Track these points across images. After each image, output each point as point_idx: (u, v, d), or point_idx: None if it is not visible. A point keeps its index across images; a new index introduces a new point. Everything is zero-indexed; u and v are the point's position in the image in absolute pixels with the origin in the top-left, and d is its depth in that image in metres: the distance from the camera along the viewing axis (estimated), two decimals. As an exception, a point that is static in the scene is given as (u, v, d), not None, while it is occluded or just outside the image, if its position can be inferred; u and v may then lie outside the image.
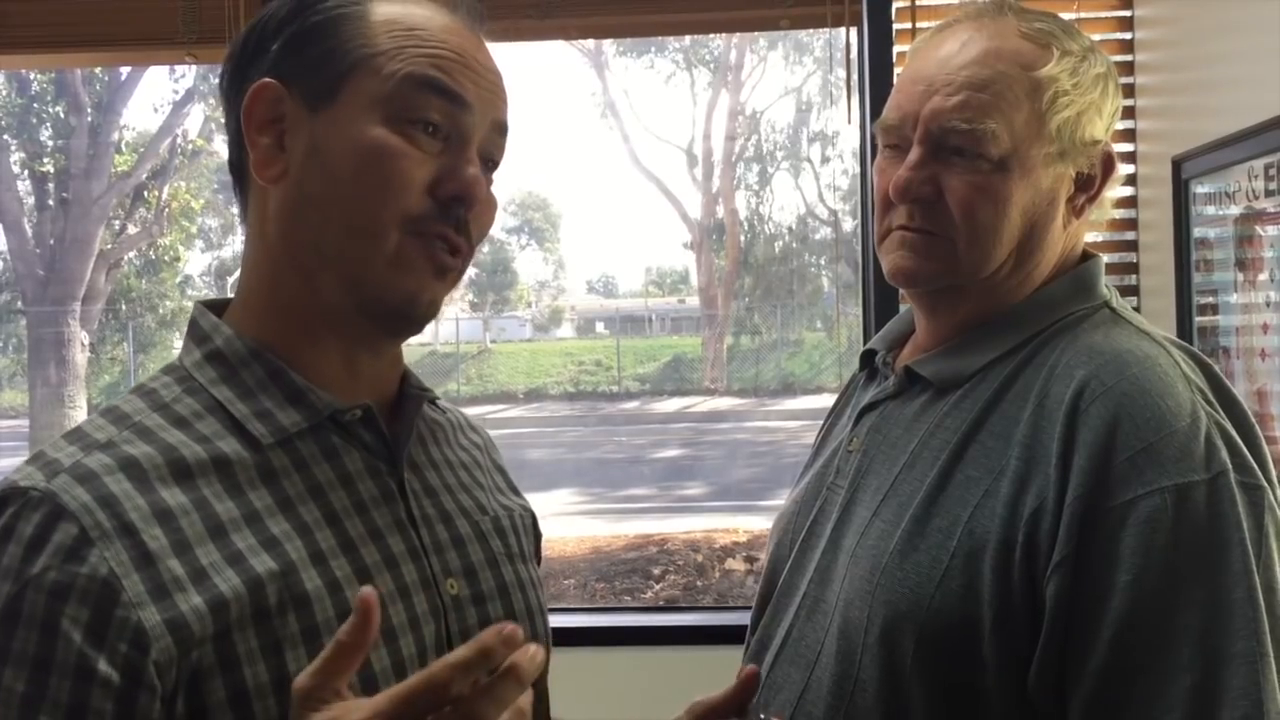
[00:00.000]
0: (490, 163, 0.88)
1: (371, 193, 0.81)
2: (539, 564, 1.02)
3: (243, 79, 0.85)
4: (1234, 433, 0.92)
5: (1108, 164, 1.05)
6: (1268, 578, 0.88)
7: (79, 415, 8.13)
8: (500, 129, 0.87)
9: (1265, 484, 0.91)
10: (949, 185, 1.00)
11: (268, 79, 0.83)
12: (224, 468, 0.79)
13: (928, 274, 1.03)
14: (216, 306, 0.89)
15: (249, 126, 0.83)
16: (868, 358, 1.18)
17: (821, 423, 1.25)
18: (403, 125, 0.81)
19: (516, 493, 1.04)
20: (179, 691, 0.72)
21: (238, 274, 0.89)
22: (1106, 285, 1.06)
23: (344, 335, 0.85)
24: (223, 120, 0.91)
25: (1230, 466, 0.89)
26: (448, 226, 0.83)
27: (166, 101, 9.50)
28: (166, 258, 11.18)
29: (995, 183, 0.99)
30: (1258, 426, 0.97)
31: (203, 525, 0.76)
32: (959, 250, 1.01)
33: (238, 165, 0.87)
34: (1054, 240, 1.04)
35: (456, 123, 0.83)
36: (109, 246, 9.01)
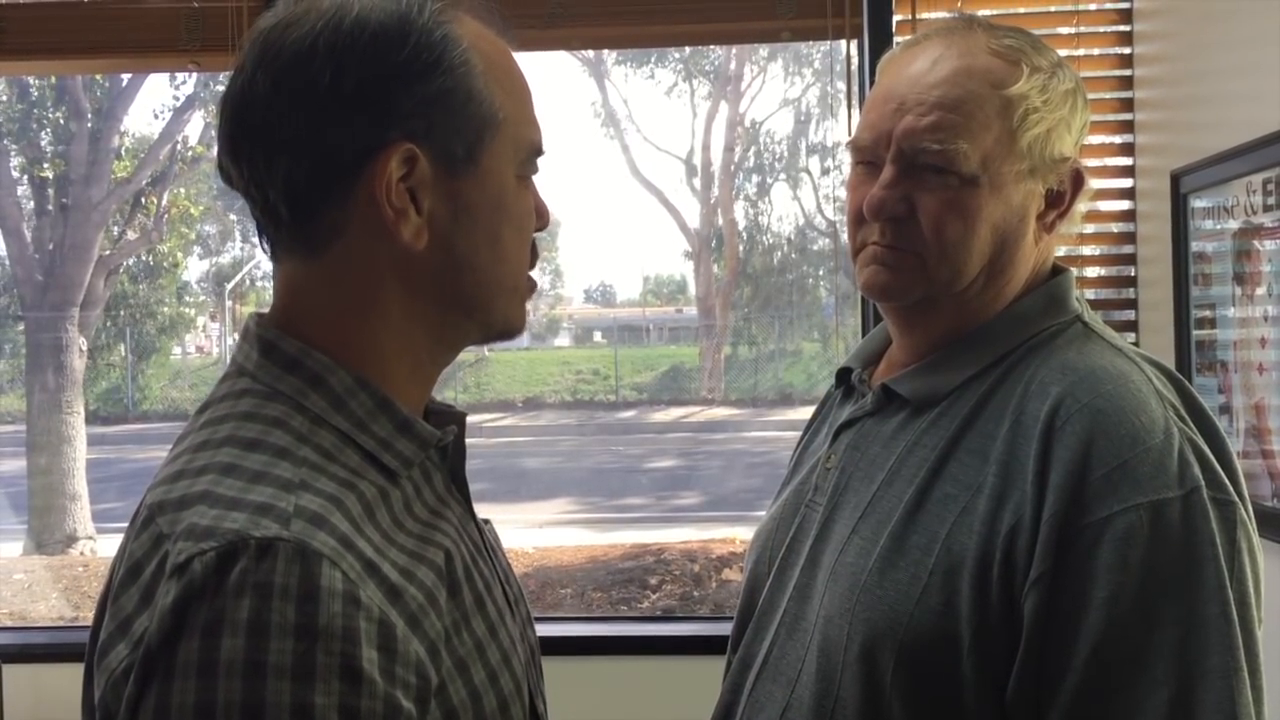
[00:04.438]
0: None
1: (519, 255, 0.88)
2: None
3: (320, 121, 0.78)
4: (1206, 448, 0.93)
5: (1077, 180, 1.06)
6: (1241, 592, 0.89)
7: (76, 421, 8.09)
8: None
9: (1237, 499, 0.92)
10: (921, 203, 1.01)
11: (408, 143, 0.79)
12: (387, 499, 0.79)
13: (901, 288, 1.04)
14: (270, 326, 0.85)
15: (386, 188, 0.79)
16: (843, 375, 1.19)
17: (798, 439, 1.26)
18: (522, 183, 0.87)
19: None
20: None
21: (275, 298, 0.85)
22: (1078, 299, 1.07)
23: (437, 364, 0.88)
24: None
25: (1203, 482, 0.90)
26: (537, 257, 0.91)
27: (167, 108, 9.51)
28: (165, 264, 11.19)
29: (965, 198, 1.00)
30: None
31: (406, 557, 0.76)
32: (929, 266, 1.02)
33: (311, 210, 0.81)
34: (1025, 256, 1.05)
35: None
36: (108, 252, 8.98)
